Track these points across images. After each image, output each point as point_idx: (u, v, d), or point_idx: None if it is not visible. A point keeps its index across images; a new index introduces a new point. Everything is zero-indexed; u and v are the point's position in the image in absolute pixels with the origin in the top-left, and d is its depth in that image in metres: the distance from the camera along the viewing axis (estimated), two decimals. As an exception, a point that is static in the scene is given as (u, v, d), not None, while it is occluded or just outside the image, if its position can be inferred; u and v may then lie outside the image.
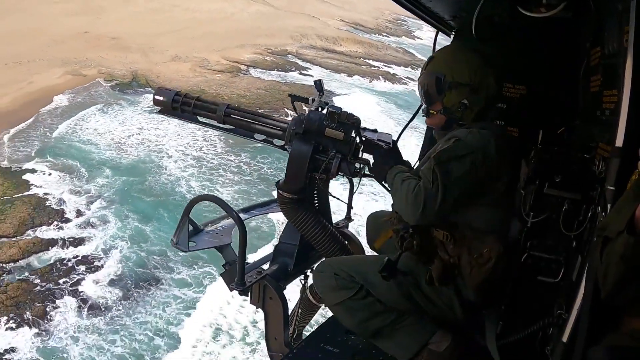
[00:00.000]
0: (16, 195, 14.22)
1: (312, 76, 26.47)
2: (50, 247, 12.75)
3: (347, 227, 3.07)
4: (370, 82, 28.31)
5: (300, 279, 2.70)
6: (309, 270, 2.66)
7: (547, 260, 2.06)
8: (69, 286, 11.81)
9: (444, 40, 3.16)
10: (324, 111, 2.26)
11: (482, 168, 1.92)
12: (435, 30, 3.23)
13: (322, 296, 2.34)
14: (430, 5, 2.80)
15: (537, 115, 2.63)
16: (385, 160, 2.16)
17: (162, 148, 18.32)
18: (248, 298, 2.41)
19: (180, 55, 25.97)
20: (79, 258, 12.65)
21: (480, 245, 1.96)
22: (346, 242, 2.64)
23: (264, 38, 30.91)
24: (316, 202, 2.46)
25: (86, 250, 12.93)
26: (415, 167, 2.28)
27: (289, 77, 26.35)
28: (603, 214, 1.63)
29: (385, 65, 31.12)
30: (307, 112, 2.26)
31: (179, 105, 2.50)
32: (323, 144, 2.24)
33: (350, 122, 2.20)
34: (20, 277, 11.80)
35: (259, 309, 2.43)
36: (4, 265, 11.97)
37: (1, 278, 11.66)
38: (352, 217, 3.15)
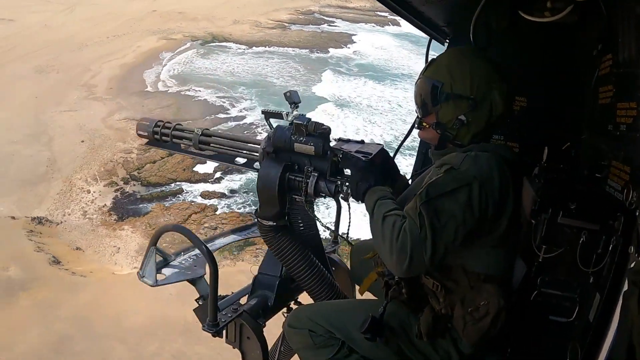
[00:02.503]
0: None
1: (339, 27, 33.93)
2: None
3: (335, 251, 2.84)
4: (382, 27, 35.68)
5: (283, 312, 2.41)
6: (292, 303, 2.45)
7: (560, 297, 1.77)
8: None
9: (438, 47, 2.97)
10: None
11: (481, 204, 1.56)
12: (429, 37, 2.96)
13: (299, 355, 2.06)
14: (424, 10, 2.54)
15: (540, 129, 2.35)
16: (362, 176, 1.76)
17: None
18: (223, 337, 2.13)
19: (237, 19, 32.84)
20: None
21: (476, 297, 1.66)
22: (333, 268, 2.46)
23: (290, 2, 37.74)
24: (302, 227, 2.17)
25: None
26: (407, 190, 1.97)
27: (323, 29, 33.51)
28: (637, 254, 1.41)
29: (391, 15, 38.57)
30: (274, 128, 2.02)
31: (159, 135, 2.41)
32: (297, 161, 1.98)
33: (318, 132, 1.89)
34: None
35: (235, 348, 2.18)
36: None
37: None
38: (339, 241, 2.92)
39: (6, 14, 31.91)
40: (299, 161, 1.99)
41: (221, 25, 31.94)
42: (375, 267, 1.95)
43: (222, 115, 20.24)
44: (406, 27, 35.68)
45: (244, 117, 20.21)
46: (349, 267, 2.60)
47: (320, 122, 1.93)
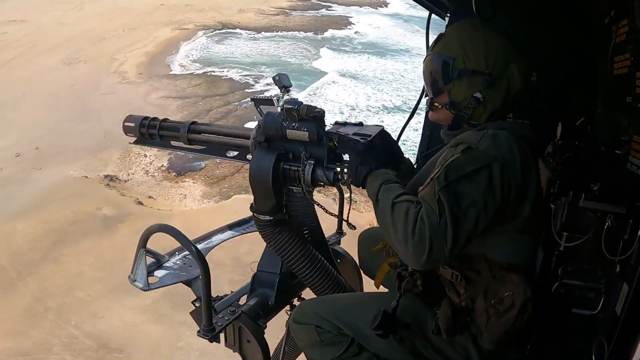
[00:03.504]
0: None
1: (336, 10, 36.30)
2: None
3: (338, 242, 2.75)
4: (376, 8, 38.13)
5: (286, 310, 2.34)
6: (295, 300, 2.36)
7: (583, 288, 1.66)
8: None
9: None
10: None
11: (503, 187, 1.43)
12: (428, 12, 2.86)
13: (305, 353, 1.94)
14: None
15: (552, 104, 2.22)
16: (362, 160, 1.63)
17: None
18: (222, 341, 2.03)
19: (242, 8, 34.97)
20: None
21: (500, 288, 1.54)
22: (338, 260, 2.35)
23: (288, -9, 40.04)
24: (301, 219, 2.06)
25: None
26: (419, 173, 1.81)
27: (322, 13, 35.79)
28: None
29: None
30: (264, 115, 1.91)
31: (146, 131, 2.32)
32: (291, 149, 1.88)
33: (311, 116, 1.78)
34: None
35: (236, 352, 2.08)
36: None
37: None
38: (344, 231, 2.77)
39: (18, 15, 33.57)
40: (293, 149, 1.88)
41: (228, 14, 33.98)
42: (386, 258, 1.84)
43: (248, 90, 22.48)
44: (394, 6, 38.26)
45: (267, 90, 22.50)
46: (354, 257, 2.50)
47: (312, 105, 1.81)
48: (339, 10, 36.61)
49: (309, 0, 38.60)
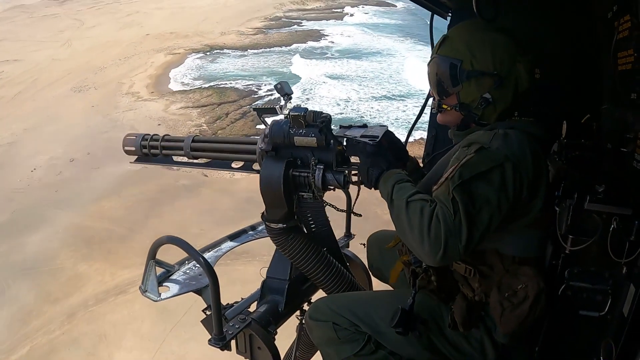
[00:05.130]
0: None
1: (307, 25, 40.66)
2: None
3: (347, 245, 2.80)
4: (342, 20, 42.94)
5: (296, 316, 2.37)
6: (305, 304, 2.37)
7: (590, 290, 1.62)
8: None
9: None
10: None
11: (515, 185, 1.49)
12: (431, 13, 2.89)
13: (321, 351, 1.98)
14: None
15: (556, 102, 2.19)
16: (373, 161, 1.69)
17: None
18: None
19: (223, 31, 38.52)
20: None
21: (514, 281, 1.60)
22: (347, 263, 2.33)
23: (257, 13, 43.81)
24: (313, 225, 2.08)
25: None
26: (430, 172, 1.87)
27: (295, 29, 39.89)
28: None
29: (340, 8, 46.68)
30: (270, 124, 1.95)
31: (148, 149, 2.33)
32: (299, 156, 1.91)
33: (318, 122, 1.83)
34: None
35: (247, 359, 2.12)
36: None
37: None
38: (353, 234, 2.84)
39: (9, 56, 35.42)
40: (302, 155, 1.91)
41: (211, 37, 37.28)
42: (400, 256, 1.88)
43: (254, 96, 25.89)
44: (358, 17, 43.28)
45: (271, 94, 26.00)
46: (362, 260, 2.56)
47: (318, 110, 1.86)
48: (309, 25, 40.89)
49: (280, 20, 42.69)
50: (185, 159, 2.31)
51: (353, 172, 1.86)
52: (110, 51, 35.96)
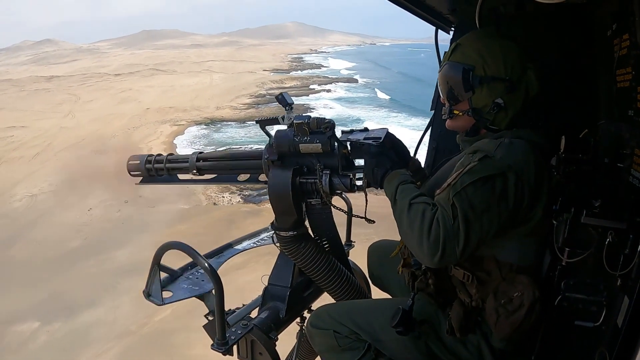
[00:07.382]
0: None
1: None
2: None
3: (347, 254, 2.63)
4: (319, 93, 49.60)
5: (297, 322, 2.40)
6: (305, 312, 2.40)
7: (586, 301, 1.67)
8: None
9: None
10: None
11: (517, 194, 1.50)
12: (435, 28, 2.91)
13: (322, 358, 2.04)
14: None
15: (555, 117, 2.21)
16: (377, 162, 1.73)
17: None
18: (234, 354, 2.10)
19: (217, 106, 42.89)
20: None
21: (510, 288, 1.61)
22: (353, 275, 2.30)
23: (242, 91, 49.19)
24: (321, 231, 2.12)
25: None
26: (425, 182, 1.94)
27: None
28: None
29: (318, 86, 53.77)
30: (274, 134, 1.99)
31: (153, 169, 2.37)
32: (305, 163, 1.96)
33: (323, 127, 1.87)
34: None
35: None
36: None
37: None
38: (353, 241, 2.90)
39: (15, 123, 37.24)
40: (307, 162, 1.95)
41: (209, 111, 41.40)
42: (402, 258, 1.87)
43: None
44: (337, 93, 50.60)
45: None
46: (361, 269, 2.59)
47: (321, 117, 1.92)
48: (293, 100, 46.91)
49: (264, 97, 47.98)
50: (190, 177, 2.37)
51: (358, 176, 1.91)
52: (115, 122, 38.38)
